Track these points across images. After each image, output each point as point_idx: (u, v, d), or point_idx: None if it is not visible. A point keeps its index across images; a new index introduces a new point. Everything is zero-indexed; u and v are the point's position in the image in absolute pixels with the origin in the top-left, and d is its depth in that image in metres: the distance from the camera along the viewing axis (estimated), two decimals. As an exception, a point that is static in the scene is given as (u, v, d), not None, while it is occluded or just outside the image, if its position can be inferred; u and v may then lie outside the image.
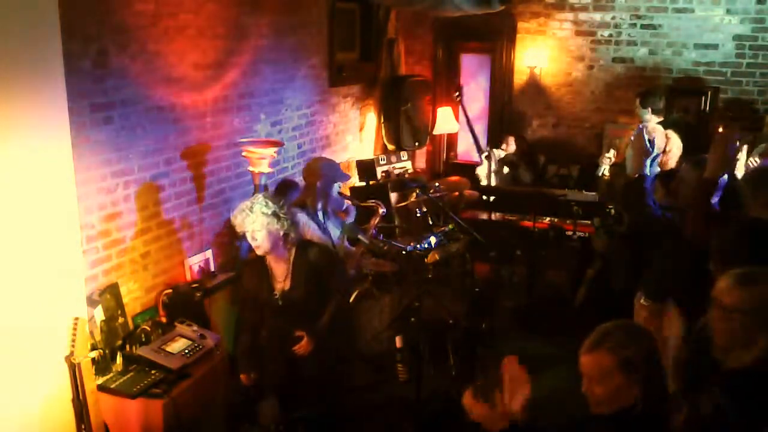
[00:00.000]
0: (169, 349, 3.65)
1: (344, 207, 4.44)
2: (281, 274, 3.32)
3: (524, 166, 6.92)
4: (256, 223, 3.15)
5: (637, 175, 4.84)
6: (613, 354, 2.01)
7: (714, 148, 3.25)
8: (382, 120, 6.96)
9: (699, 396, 2.15)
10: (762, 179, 3.10)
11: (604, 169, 5.61)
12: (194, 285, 4.27)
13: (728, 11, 6.43)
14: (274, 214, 3.17)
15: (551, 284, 5.74)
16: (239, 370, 3.43)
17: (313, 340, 3.27)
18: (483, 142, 6.54)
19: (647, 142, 4.81)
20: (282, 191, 4.48)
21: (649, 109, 5.40)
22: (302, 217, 3.99)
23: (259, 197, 3.24)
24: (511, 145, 6.94)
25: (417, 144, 7.19)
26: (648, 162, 4.86)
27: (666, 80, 6.68)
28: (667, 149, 5.05)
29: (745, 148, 4.49)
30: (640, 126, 5.16)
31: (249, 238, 3.21)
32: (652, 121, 5.38)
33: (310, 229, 4.00)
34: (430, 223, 5.11)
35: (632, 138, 4.94)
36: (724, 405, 2.06)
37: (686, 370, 2.53)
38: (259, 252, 3.25)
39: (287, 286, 3.31)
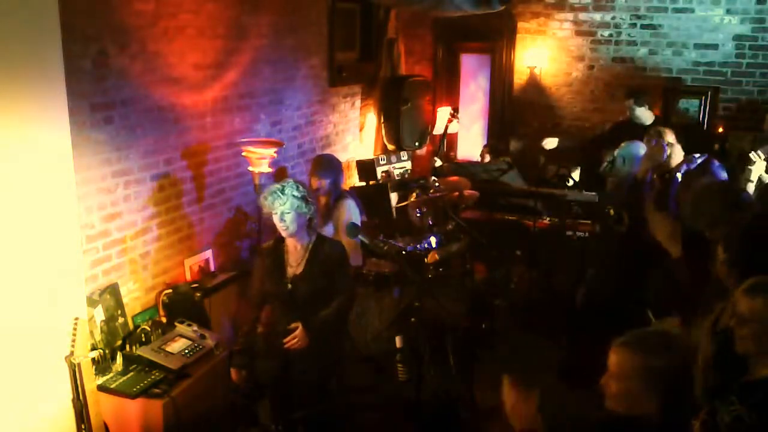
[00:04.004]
0: (169, 349, 3.65)
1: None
2: (296, 259, 3.41)
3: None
4: (286, 204, 3.26)
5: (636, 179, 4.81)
6: (638, 358, 1.97)
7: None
8: (382, 120, 6.95)
9: (718, 405, 2.13)
10: None
11: (607, 168, 5.59)
12: (194, 285, 4.27)
13: (728, 11, 6.42)
14: (303, 198, 3.30)
15: (551, 284, 5.73)
16: (231, 365, 3.51)
17: (308, 333, 3.30)
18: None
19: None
20: (327, 166, 4.49)
21: (645, 107, 5.66)
22: (350, 202, 4.29)
23: (290, 181, 3.37)
24: (485, 157, 6.91)
25: (417, 144, 7.19)
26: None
27: (666, 80, 6.68)
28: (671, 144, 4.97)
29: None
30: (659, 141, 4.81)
31: (277, 220, 3.31)
32: (644, 118, 5.60)
33: (351, 214, 4.27)
34: (430, 223, 5.10)
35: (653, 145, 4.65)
36: (743, 416, 2.05)
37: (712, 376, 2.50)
38: (285, 233, 3.35)
39: (299, 271, 3.38)
